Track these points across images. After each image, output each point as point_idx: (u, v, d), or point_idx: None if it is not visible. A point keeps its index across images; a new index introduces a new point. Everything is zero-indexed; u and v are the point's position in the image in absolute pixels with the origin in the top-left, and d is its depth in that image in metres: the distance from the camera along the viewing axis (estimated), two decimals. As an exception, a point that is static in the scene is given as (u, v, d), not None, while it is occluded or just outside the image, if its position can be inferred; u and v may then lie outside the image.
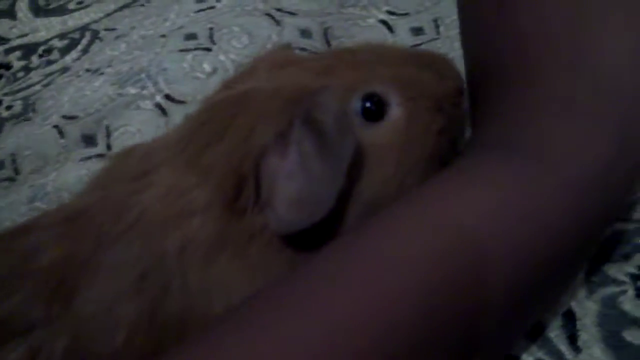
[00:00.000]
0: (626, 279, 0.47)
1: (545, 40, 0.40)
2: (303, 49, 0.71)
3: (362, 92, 0.47)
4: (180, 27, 0.79)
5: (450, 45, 0.70)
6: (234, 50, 0.74)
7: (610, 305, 0.46)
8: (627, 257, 0.48)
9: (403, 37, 0.73)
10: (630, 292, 0.46)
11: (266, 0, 0.78)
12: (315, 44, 0.73)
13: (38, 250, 0.46)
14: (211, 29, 0.77)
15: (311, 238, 0.44)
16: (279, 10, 0.77)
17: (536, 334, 0.46)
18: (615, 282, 0.47)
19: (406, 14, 0.74)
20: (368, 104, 0.47)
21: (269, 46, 0.73)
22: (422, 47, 0.71)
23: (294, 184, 0.43)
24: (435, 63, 0.51)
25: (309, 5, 0.77)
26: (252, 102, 0.47)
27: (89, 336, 0.44)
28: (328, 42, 0.73)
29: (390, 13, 0.75)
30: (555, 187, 0.38)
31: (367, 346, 0.34)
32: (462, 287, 0.36)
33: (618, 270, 0.47)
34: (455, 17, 0.70)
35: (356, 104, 0.47)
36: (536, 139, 0.40)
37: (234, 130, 0.46)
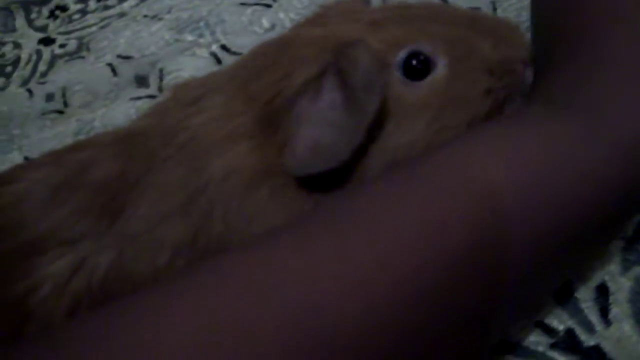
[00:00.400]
0: (661, 258, 0.47)
1: (613, 5, 0.41)
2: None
3: (406, 49, 0.47)
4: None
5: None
6: (294, 9, 0.75)
7: (643, 283, 0.46)
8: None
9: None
10: (665, 271, 0.47)
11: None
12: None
13: (91, 166, 0.47)
14: (274, -16, 0.78)
15: (335, 185, 0.45)
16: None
17: (566, 299, 0.46)
18: (650, 260, 0.47)
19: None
20: (411, 61, 0.47)
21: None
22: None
23: (315, 129, 0.44)
24: (497, 29, 0.50)
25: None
26: (296, 45, 0.48)
27: (134, 254, 0.45)
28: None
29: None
30: (603, 143, 0.38)
31: (384, 292, 0.34)
32: (485, 245, 0.36)
33: (654, 250, 0.48)
34: (514, 0, 0.70)
35: (399, 60, 0.47)
36: (591, 97, 0.40)
37: (276, 67, 0.47)
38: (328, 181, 0.45)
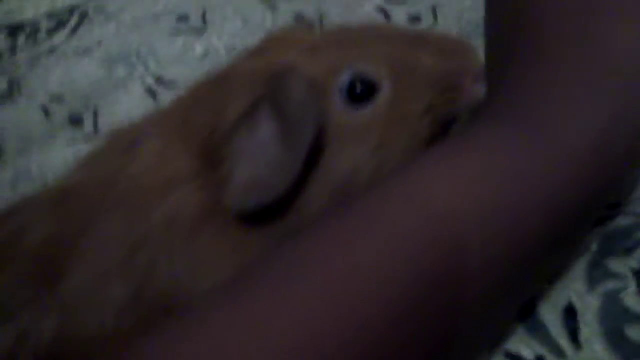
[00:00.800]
0: (628, 274, 0.46)
1: (558, 19, 0.40)
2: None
3: (346, 73, 0.46)
4: (172, 9, 0.77)
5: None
6: (227, 34, 0.73)
7: (612, 300, 0.45)
8: (629, 252, 0.47)
9: (400, 25, 0.71)
10: (633, 287, 0.46)
11: (261, -16, 0.77)
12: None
13: (25, 231, 0.45)
14: (204, 10, 0.76)
15: (280, 218, 0.44)
16: (274, -7, 0.76)
17: (533, 324, 0.45)
18: (617, 277, 0.46)
19: (403, 2, 0.73)
20: (353, 85, 0.46)
21: (262, 31, 0.72)
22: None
23: (252, 164, 0.43)
24: (443, 44, 0.49)
25: (305, -10, 0.76)
26: (232, 79, 0.47)
27: (78, 318, 0.43)
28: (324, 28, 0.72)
29: (388, 0, 0.74)
30: (554, 161, 0.38)
31: (337, 345, 0.34)
32: (443, 279, 0.36)
33: (620, 265, 0.47)
34: (454, 4, 0.69)
35: (339, 85, 0.46)
36: (539, 116, 0.39)
37: (211, 104, 0.46)
38: (272, 215, 0.44)
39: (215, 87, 0.47)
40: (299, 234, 0.39)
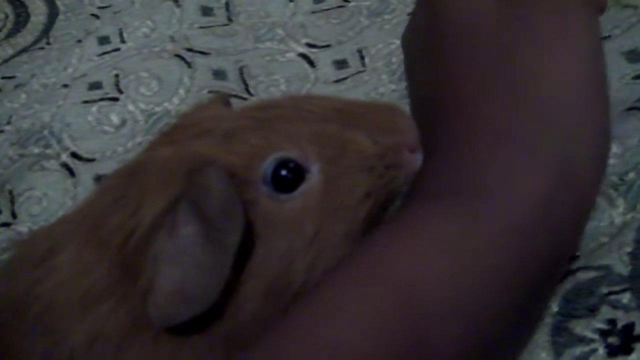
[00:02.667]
0: (595, 335, 0.45)
1: (476, 77, 0.39)
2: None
3: (270, 159, 0.42)
4: (83, 75, 0.74)
5: (377, 77, 0.67)
6: (143, 99, 0.70)
7: (581, 368, 0.43)
8: (593, 311, 0.45)
9: (326, 72, 0.69)
10: (601, 350, 0.44)
11: (175, 40, 0.74)
12: (231, 85, 0.69)
13: None
14: (117, 75, 0.73)
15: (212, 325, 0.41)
16: (189, 50, 0.72)
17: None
18: (583, 340, 0.44)
19: (327, 46, 0.71)
20: (279, 172, 0.42)
21: (180, 91, 0.69)
22: (348, 80, 0.68)
23: (175, 270, 0.40)
24: (373, 116, 0.46)
25: (222, 43, 0.73)
26: (145, 172, 0.43)
27: None
28: (245, 83, 0.70)
29: (310, 45, 0.71)
30: (497, 231, 0.36)
31: None
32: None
33: (585, 327, 0.45)
34: (381, 45, 0.67)
35: (264, 173, 0.42)
36: (471, 179, 0.38)
37: (125, 201, 0.42)
38: (203, 323, 0.41)
39: (127, 182, 0.43)
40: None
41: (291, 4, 0.76)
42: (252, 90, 0.69)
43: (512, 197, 0.36)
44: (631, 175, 0.51)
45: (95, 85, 0.73)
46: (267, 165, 0.42)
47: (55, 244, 0.44)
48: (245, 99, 0.68)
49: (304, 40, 0.72)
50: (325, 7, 0.75)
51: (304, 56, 0.70)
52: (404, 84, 0.60)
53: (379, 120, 0.45)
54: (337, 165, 0.43)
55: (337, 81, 0.68)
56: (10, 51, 0.86)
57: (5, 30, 0.88)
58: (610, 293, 0.46)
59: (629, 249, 0.48)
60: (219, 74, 0.70)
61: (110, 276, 0.42)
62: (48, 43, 0.84)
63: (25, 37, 0.86)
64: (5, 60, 0.85)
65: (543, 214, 0.36)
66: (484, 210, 0.37)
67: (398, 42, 0.67)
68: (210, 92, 0.67)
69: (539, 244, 0.37)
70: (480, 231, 0.36)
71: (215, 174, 0.40)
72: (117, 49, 0.77)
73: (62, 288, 0.42)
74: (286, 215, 0.42)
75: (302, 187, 0.42)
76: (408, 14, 0.70)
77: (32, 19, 0.88)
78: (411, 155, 0.44)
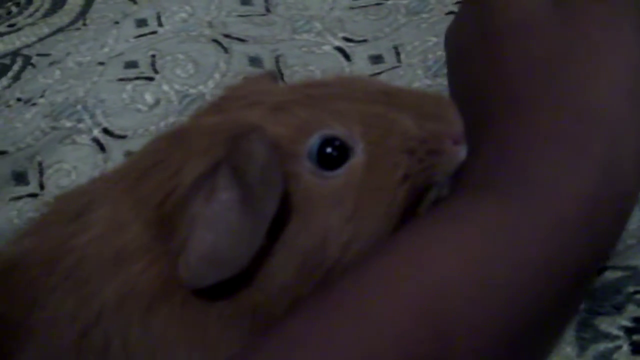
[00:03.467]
0: (620, 332, 0.45)
1: (530, 77, 0.40)
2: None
3: (317, 135, 0.43)
4: (120, 54, 0.75)
5: (412, 73, 0.67)
6: (179, 80, 0.71)
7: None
8: (619, 309, 0.46)
9: (361, 66, 0.70)
10: (625, 347, 0.44)
11: (213, 25, 0.75)
12: None
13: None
14: (153, 56, 0.73)
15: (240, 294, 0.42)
16: (226, 36, 0.73)
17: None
18: (608, 337, 0.45)
19: (364, 41, 0.72)
20: (324, 149, 0.43)
21: (216, 75, 0.70)
22: (383, 75, 0.69)
23: (209, 234, 0.40)
24: (421, 102, 0.46)
25: (259, 31, 0.74)
26: (190, 137, 0.44)
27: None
28: (280, 71, 0.70)
29: (347, 40, 0.72)
30: (542, 227, 0.37)
31: None
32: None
33: (611, 324, 0.45)
34: (417, 43, 0.68)
35: (309, 148, 0.43)
36: (520, 174, 0.39)
37: (166, 164, 0.43)
38: (232, 290, 0.42)
39: (171, 145, 0.44)
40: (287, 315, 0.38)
41: (329, -1, 0.76)
42: (287, 80, 0.70)
43: (559, 193, 0.38)
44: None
45: (131, 64, 0.73)
46: (314, 141, 0.43)
47: (91, 200, 0.45)
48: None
49: (341, 35, 0.73)
50: (363, 4, 0.76)
51: (340, 50, 0.71)
52: (439, 80, 0.61)
53: (426, 107, 0.45)
54: (380, 146, 0.43)
55: (372, 75, 0.69)
56: (46, 30, 0.87)
57: (42, 10, 0.89)
58: (637, 292, 0.47)
59: (656, 251, 0.48)
60: (255, 61, 0.71)
61: (144, 236, 0.42)
62: (84, 24, 0.85)
63: (61, 17, 0.87)
64: (41, 39, 0.86)
65: (588, 210, 0.37)
66: (529, 204, 0.38)
67: (435, 39, 0.68)
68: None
69: (580, 240, 0.38)
70: (524, 223, 0.37)
71: (259, 141, 0.40)
72: (155, 32, 0.78)
73: (96, 243, 0.43)
74: (327, 192, 0.42)
75: (346, 166, 0.43)
76: (446, 13, 0.71)
77: (70, 0, 0.89)
78: (454, 146, 0.44)
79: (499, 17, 0.42)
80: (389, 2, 0.75)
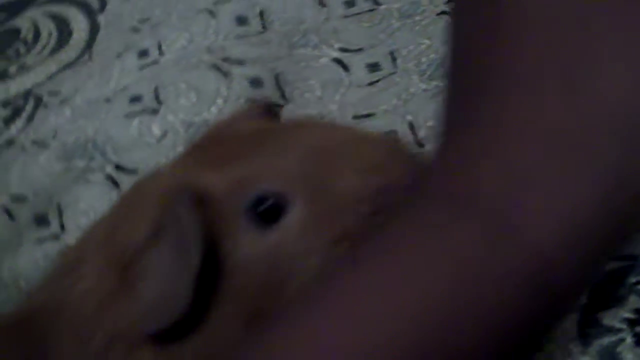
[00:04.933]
0: (623, 325, 0.45)
1: (533, 66, 0.38)
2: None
3: (254, 190, 0.45)
4: (124, 89, 0.77)
5: (408, 78, 0.69)
6: (183, 109, 0.73)
7: (608, 357, 0.44)
8: (621, 301, 0.46)
9: (360, 76, 0.71)
10: (629, 339, 0.45)
11: (211, 50, 0.76)
12: (267, 92, 0.72)
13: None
14: (156, 87, 0.75)
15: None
16: (225, 60, 0.75)
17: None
18: (611, 330, 0.45)
19: (360, 50, 0.73)
20: (260, 205, 0.45)
21: (219, 101, 0.71)
22: (380, 82, 0.70)
23: (155, 287, 0.45)
24: (368, 152, 0.47)
25: (257, 51, 0.75)
26: (145, 194, 0.49)
27: None
28: (281, 90, 0.72)
29: (343, 50, 0.73)
30: (514, 247, 0.36)
31: None
32: None
33: (613, 317, 0.46)
34: (412, 47, 0.69)
35: (246, 204, 0.45)
36: (494, 194, 0.37)
37: (127, 219, 0.48)
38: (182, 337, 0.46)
39: (133, 200, 0.51)
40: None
41: (324, 9, 0.77)
42: (288, 97, 0.71)
43: (568, 195, 0.36)
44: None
45: (136, 99, 0.75)
46: (250, 197, 0.45)
47: (82, 255, 0.50)
48: (281, 105, 0.70)
49: (337, 45, 0.74)
50: (356, 11, 0.77)
51: (338, 61, 0.72)
52: (434, 83, 0.62)
53: (371, 157, 0.46)
54: (319, 204, 0.45)
55: (370, 84, 0.70)
56: (54, 67, 0.89)
57: (48, 48, 0.91)
58: (638, 282, 0.47)
59: (657, 238, 0.48)
60: (255, 83, 0.72)
61: (116, 287, 0.47)
62: (90, 58, 0.86)
63: (68, 53, 0.89)
64: (50, 77, 0.88)
65: (601, 210, 0.36)
66: (501, 225, 0.36)
67: (428, 42, 0.69)
68: (248, 100, 0.69)
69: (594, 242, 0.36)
70: (497, 242, 0.36)
71: (185, 204, 0.44)
72: (156, 62, 0.80)
73: (85, 295, 0.48)
74: (263, 248, 0.45)
75: (282, 223, 0.45)
76: (438, 14, 0.72)
77: (75, 35, 0.91)
78: (401, 195, 0.44)
79: None
80: (382, 7, 0.76)
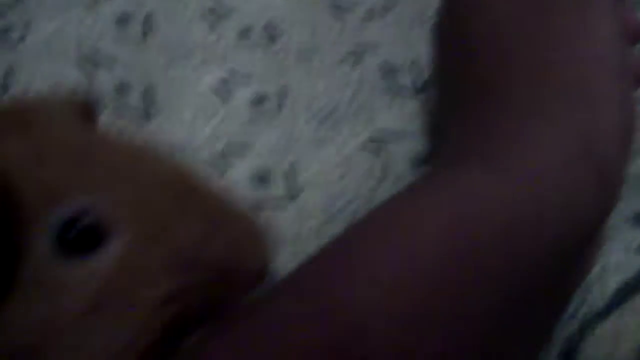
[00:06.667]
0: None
1: (504, 57, 0.41)
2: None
3: (69, 207, 0.35)
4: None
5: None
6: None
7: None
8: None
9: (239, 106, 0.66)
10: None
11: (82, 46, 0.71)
12: (131, 100, 0.67)
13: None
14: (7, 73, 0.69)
15: None
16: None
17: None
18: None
19: (248, 79, 0.67)
20: (70, 227, 0.35)
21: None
22: (263, 119, 0.64)
23: None
24: (225, 214, 0.38)
25: (135, 57, 0.70)
26: None
27: None
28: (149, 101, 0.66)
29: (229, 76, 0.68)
30: (520, 186, 0.38)
31: None
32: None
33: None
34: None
35: (54, 220, 0.35)
36: (501, 146, 0.39)
37: None
38: None
39: None
40: None
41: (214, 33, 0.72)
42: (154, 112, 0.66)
43: (539, 160, 0.38)
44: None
45: None
46: (62, 212, 0.35)
47: None
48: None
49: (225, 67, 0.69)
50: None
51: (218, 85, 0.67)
52: (322, 131, 0.57)
53: (230, 221, 0.38)
54: (147, 251, 0.36)
55: (250, 121, 0.64)
56: None
57: None
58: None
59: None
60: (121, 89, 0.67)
61: None
62: None
63: None
64: None
65: (560, 178, 0.38)
66: (509, 173, 0.38)
67: (324, 84, 0.64)
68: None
69: (555, 208, 0.37)
70: (505, 184, 0.37)
71: None
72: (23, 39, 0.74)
73: None
74: (61, 277, 0.35)
75: (96, 255, 0.35)
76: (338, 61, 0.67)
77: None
78: (251, 281, 0.38)
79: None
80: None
